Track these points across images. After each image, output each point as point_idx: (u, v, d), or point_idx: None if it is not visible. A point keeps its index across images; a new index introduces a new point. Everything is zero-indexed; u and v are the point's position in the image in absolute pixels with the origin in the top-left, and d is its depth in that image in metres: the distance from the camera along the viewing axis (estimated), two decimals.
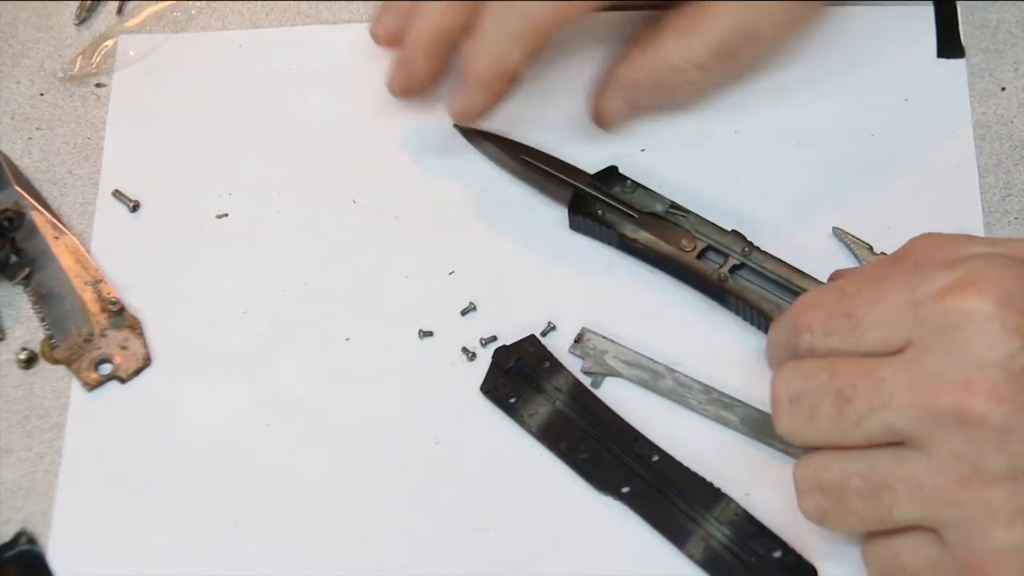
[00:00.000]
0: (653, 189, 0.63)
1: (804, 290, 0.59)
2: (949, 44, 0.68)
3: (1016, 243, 0.51)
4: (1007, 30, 0.68)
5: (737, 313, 0.61)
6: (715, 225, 0.61)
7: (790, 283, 0.60)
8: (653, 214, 0.62)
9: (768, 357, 0.55)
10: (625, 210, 0.62)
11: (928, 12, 0.69)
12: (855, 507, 0.49)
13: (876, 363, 0.48)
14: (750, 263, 0.60)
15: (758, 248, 0.61)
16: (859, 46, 0.68)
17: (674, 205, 0.62)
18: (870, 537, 0.51)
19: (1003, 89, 0.67)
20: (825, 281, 0.58)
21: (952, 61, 0.68)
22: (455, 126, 0.66)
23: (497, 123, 0.66)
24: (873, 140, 0.66)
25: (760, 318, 0.60)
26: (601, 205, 0.63)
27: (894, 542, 0.49)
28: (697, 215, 0.62)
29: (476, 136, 0.66)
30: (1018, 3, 0.69)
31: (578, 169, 0.64)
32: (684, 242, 0.61)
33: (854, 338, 0.49)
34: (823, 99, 0.67)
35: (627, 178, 0.63)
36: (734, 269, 0.60)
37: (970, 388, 0.46)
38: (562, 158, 0.65)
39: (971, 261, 0.48)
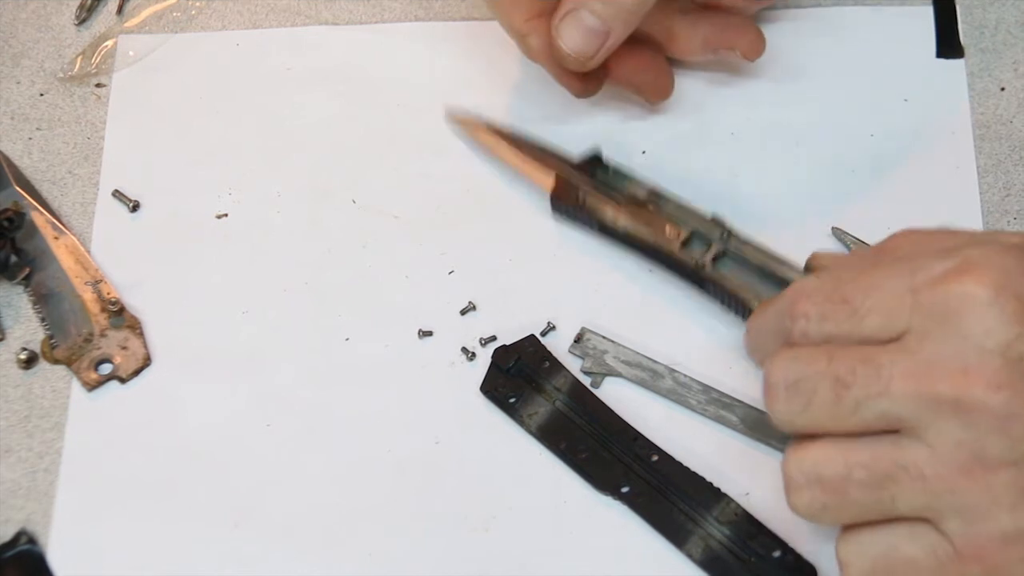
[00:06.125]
0: (636, 176, 0.63)
1: (782, 276, 0.59)
2: (948, 44, 0.68)
3: (1003, 234, 0.51)
4: (1006, 30, 0.68)
5: (716, 299, 0.61)
6: (694, 211, 0.61)
7: (767, 268, 0.59)
8: (635, 200, 0.62)
9: (749, 345, 0.55)
10: (607, 195, 0.62)
11: (928, 12, 0.69)
12: (858, 498, 0.48)
13: (875, 350, 0.48)
14: (729, 249, 0.60)
15: (737, 235, 0.60)
16: (859, 46, 0.68)
17: (654, 191, 0.62)
18: (852, 532, 0.50)
19: (1002, 89, 0.67)
20: (803, 266, 0.58)
21: (951, 61, 0.68)
22: (446, 107, 0.67)
23: (491, 113, 0.67)
24: (873, 140, 0.66)
25: (738, 306, 0.60)
26: (583, 192, 0.63)
27: (891, 535, 0.49)
28: (676, 201, 0.62)
29: (464, 119, 0.66)
30: (1018, 3, 0.69)
31: (562, 154, 0.64)
32: (668, 228, 0.61)
33: (851, 324, 0.48)
34: (823, 99, 0.67)
35: (608, 165, 0.63)
36: (717, 258, 0.60)
37: (969, 376, 0.45)
38: (549, 144, 0.65)
39: (967, 249, 0.48)
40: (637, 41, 0.62)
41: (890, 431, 0.48)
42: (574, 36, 0.60)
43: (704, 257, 0.60)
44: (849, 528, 0.50)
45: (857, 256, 0.56)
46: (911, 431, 0.47)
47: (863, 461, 0.48)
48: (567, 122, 0.67)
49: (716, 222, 0.61)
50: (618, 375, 0.60)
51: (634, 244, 0.62)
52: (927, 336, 0.47)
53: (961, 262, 0.47)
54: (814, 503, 0.49)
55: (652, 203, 0.62)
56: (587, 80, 0.63)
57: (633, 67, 0.64)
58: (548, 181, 0.64)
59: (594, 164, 0.64)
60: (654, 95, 0.65)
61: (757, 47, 0.65)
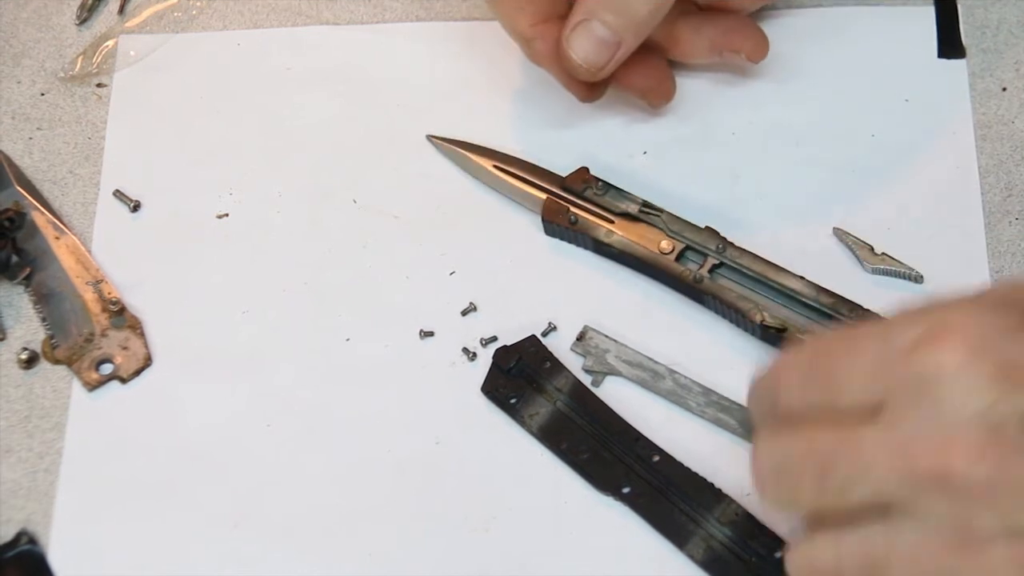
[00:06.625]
0: (626, 190, 0.63)
1: (782, 284, 0.59)
2: (950, 44, 0.68)
3: (991, 289, 0.49)
4: (1008, 30, 0.68)
5: (716, 312, 0.61)
6: (688, 223, 0.61)
7: (765, 278, 0.60)
8: (627, 215, 0.62)
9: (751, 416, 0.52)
10: (599, 212, 0.62)
11: (929, 12, 0.69)
12: None
13: (855, 428, 0.45)
14: (726, 260, 0.60)
15: (732, 244, 0.61)
16: (859, 46, 0.68)
17: (646, 204, 0.62)
18: None
19: (1004, 89, 0.67)
20: (801, 273, 0.58)
21: (953, 61, 0.68)
22: (428, 137, 0.66)
23: (481, 128, 0.67)
24: (873, 140, 0.66)
25: (739, 317, 0.60)
26: (574, 211, 0.63)
27: None
28: (670, 213, 0.62)
29: (448, 145, 0.66)
30: (1019, 3, 0.69)
31: (551, 172, 0.64)
32: (663, 243, 0.61)
33: (830, 395, 0.46)
34: (823, 99, 0.67)
35: (598, 179, 0.63)
36: (713, 269, 0.60)
37: (949, 448, 0.43)
38: (536, 162, 0.65)
39: (939, 310, 0.45)
40: (641, 46, 0.62)
41: (883, 508, 0.45)
42: (585, 47, 0.60)
43: (701, 270, 0.60)
44: None
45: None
46: (900, 509, 0.44)
47: (853, 550, 0.46)
48: (569, 124, 0.67)
49: (711, 232, 0.61)
50: (619, 374, 0.60)
51: (630, 261, 0.62)
52: (905, 409, 0.44)
53: (933, 326, 0.44)
54: None
55: (644, 217, 0.62)
56: (593, 86, 0.63)
57: (637, 72, 0.64)
58: (538, 203, 0.63)
59: (583, 180, 0.63)
60: (657, 99, 0.65)
61: (761, 49, 0.65)
